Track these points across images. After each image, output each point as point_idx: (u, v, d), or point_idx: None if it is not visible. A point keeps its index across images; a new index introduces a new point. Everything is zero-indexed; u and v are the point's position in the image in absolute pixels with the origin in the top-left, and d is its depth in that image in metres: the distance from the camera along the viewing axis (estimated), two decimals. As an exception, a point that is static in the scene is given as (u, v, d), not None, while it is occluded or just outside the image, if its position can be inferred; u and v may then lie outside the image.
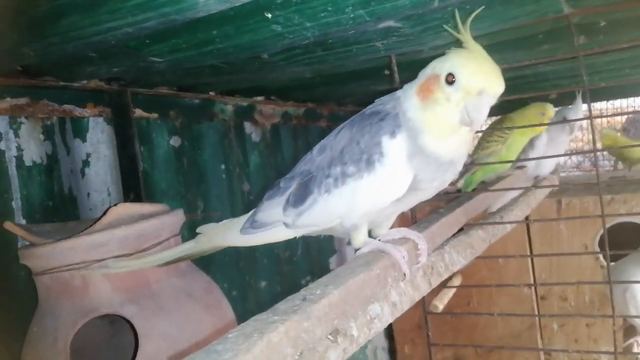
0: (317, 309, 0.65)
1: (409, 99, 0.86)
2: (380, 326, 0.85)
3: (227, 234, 1.11)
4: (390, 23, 1.00)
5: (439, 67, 0.83)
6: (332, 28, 0.96)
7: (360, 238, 0.95)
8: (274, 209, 1.01)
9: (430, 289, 1.03)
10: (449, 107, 0.81)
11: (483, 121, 0.82)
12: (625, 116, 3.30)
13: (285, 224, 1.00)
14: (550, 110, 1.91)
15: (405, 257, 0.91)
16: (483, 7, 0.88)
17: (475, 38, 1.20)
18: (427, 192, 0.93)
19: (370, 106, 0.94)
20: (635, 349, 1.75)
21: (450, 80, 0.81)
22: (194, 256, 1.25)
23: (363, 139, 0.88)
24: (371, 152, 0.87)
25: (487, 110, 0.82)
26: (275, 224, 1.02)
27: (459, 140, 0.85)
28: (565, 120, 1.82)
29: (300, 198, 0.97)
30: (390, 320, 0.88)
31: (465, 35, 0.85)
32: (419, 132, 0.84)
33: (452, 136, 0.84)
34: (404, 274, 0.92)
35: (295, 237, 1.06)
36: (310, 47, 1.19)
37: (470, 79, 0.80)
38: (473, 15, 0.86)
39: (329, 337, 0.73)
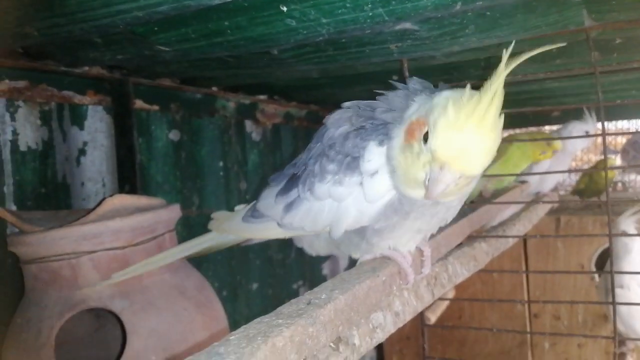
0: (323, 314, 0.62)
1: (398, 130, 0.77)
2: (382, 336, 0.82)
3: (232, 220, 1.05)
4: (408, 25, 0.97)
5: (433, 114, 0.70)
6: (348, 26, 0.93)
7: (357, 251, 0.91)
8: (269, 198, 0.96)
9: (434, 300, 1.00)
10: (417, 163, 0.72)
11: (441, 194, 0.69)
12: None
13: (276, 222, 0.95)
14: (557, 143, 1.89)
15: (410, 264, 0.88)
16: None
17: (492, 46, 1.19)
18: (425, 221, 0.85)
19: (372, 105, 0.86)
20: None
21: (426, 137, 0.70)
22: (202, 252, 1.19)
23: (352, 140, 0.82)
24: (355, 155, 0.81)
25: (449, 185, 0.69)
26: (269, 218, 0.97)
27: None
28: (581, 136, 1.80)
29: (285, 191, 0.92)
30: (392, 330, 0.85)
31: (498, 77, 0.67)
32: (394, 169, 0.77)
33: (422, 189, 0.74)
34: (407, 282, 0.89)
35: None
36: (322, 46, 1.15)
37: (439, 148, 0.67)
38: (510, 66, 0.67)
39: (331, 345, 0.70)
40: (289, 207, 0.92)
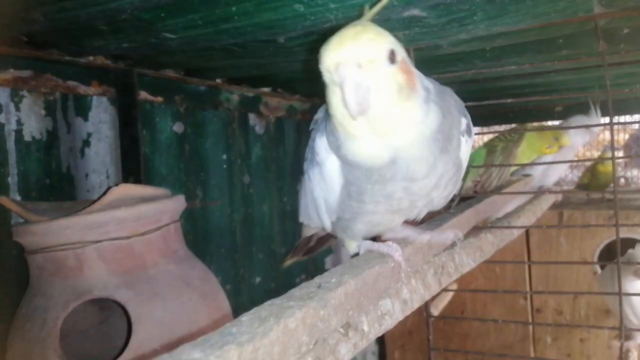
0: (334, 297, 0.61)
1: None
2: (390, 323, 0.82)
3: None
4: (416, 11, 0.97)
5: None
6: (357, 11, 0.92)
7: (352, 245, 0.93)
8: None
9: (440, 289, 1.00)
10: (333, 97, 0.67)
11: (360, 102, 0.63)
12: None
13: None
14: (565, 138, 1.89)
15: (397, 250, 0.85)
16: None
17: (499, 35, 1.18)
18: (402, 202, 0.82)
19: None
20: (633, 356, 1.74)
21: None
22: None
23: (312, 137, 0.89)
24: (311, 150, 0.88)
25: (359, 86, 0.63)
26: None
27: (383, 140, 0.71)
28: (586, 125, 1.80)
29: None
30: (401, 318, 0.85)
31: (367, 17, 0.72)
32: (336, 135, 0.75)
33: (368, 134, 0.70)
34: (400, 265, 0.85)
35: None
36: (329, 34, 1.14)
37: (324, 54, 0.65)
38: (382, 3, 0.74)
39: (340, 330, 0.69)
40: (299, 206, 1.03)
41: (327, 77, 0.67)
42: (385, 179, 0.75)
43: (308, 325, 0.55)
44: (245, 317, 0.52)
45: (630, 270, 1.79)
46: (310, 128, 0.92)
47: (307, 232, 1.17)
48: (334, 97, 0.67)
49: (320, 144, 0.82)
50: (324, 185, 0.85)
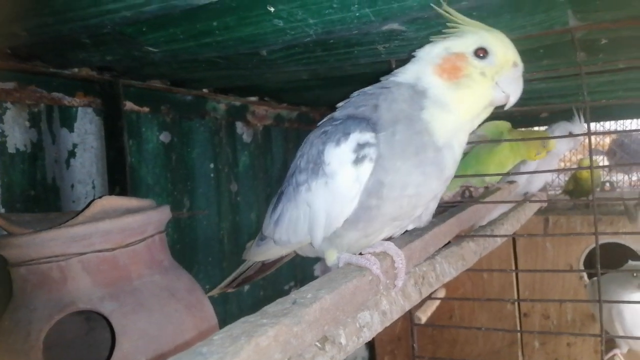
0: (308, 313, 0.62)
1: (428, 83, 0.82)
2: (369, 335, 0.82)
3: (250, 247, 1.13)
4: (395, 25, 0.98)
5: (458, 45, 0.81)
6: (335, 26, 0.93)
7: (332, 256, 0.92)
8: (267, 219, 1.02)
9: (421, 299, 1.01)
10: (484, 82, 0.80)
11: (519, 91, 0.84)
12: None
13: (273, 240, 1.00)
14: (552, 144, 1.93)
15: (376, 263, 0.85)
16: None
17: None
18: (405, 200, 0.85)
19: (347, 107, 0.91)
20: None
21: (481, 54, 0.79)
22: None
23: (315, 147, 0.87)
24: (313, 161, 0.86)
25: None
26: (269, 238, 1.02)
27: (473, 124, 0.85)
28: (567, 135, 1.82)
29: (274, 209, 0.98)
30: (380, 330, 0.85)
31: (464, 19, 0.83)
32: (419, 104, 0.81)
33: (475, 118, 0.84)
34: (379, 278, 0.85)
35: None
36: (310, 47, 1.16)
37: (506, 51, 0.80)
38: None
39: (317, 344, 0.70)
40: (276, 222, 0.97)
41: (484, 62, 0.80)
42: (424, 149, 0.81)
43: (281, 342, 0.56)
44: (216, 336, 0.53)
45: (634, 284, 1.82)
46: (312, 140, 0.89)
47: (259, 257, 1.12)
48: (482, 82, 0.80)
49: (333, 154, 0.82)
50: (329, 196, 0.83)
